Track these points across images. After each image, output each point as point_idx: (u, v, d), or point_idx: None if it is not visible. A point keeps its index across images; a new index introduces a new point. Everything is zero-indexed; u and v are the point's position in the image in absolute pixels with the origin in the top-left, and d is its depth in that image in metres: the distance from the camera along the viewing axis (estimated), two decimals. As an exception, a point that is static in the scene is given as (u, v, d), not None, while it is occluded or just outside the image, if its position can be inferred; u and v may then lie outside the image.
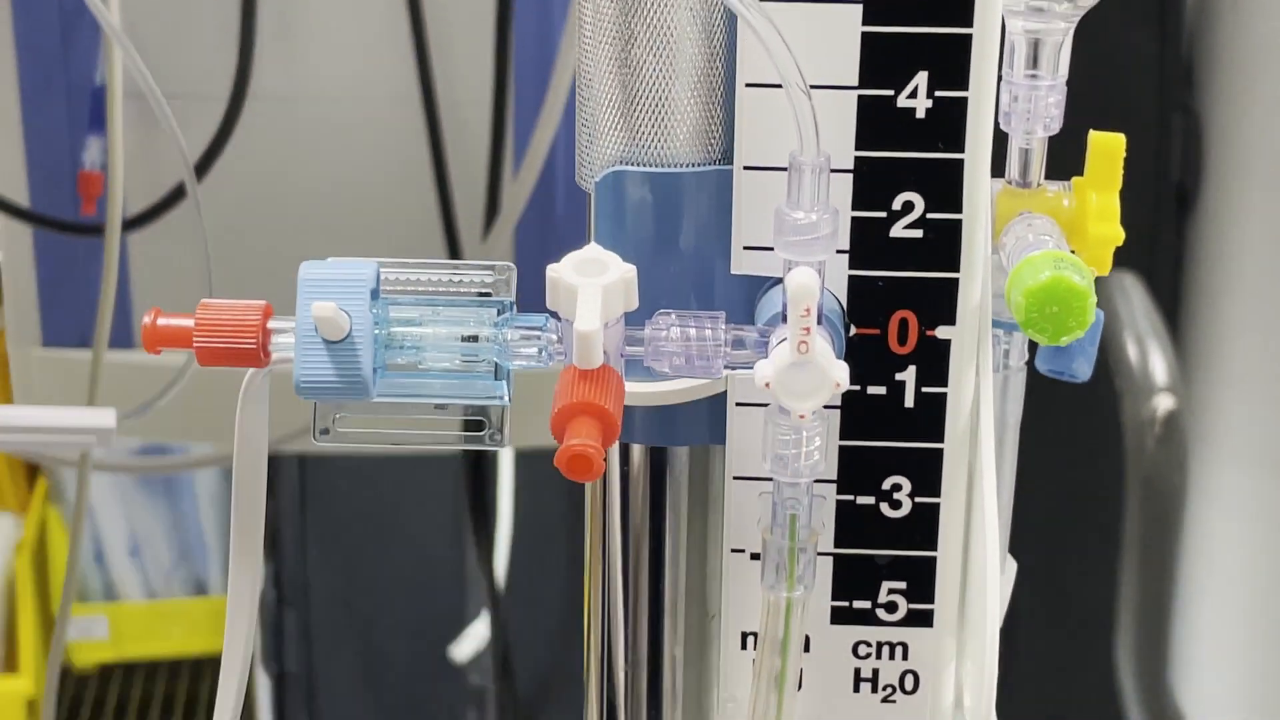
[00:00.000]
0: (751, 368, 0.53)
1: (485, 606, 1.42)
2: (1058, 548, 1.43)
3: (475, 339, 0.54)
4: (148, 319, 0.53)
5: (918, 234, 0.56)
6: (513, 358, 0.54)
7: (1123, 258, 0.58)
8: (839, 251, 0.56)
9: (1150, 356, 1.18)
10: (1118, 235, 0.57)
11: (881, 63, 0.54)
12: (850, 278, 0.56)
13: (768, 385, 0.52)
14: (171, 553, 2.08)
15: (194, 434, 1.17)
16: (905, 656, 0.60)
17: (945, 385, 0.57)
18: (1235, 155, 1.36)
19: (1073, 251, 0.55)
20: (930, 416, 0.57)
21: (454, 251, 1.06)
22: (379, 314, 0.53)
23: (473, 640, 1.46)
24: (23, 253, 1.08)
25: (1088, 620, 1.39)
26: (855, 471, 0.58)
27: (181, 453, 1.72)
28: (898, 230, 0.56)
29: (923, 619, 0.60)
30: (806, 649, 0.60)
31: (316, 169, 1.07)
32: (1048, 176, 0.58)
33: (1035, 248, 0.54)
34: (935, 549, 0.59)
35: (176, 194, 1.02)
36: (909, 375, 0.57)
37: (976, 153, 0.55)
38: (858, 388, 0.57)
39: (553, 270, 0.52)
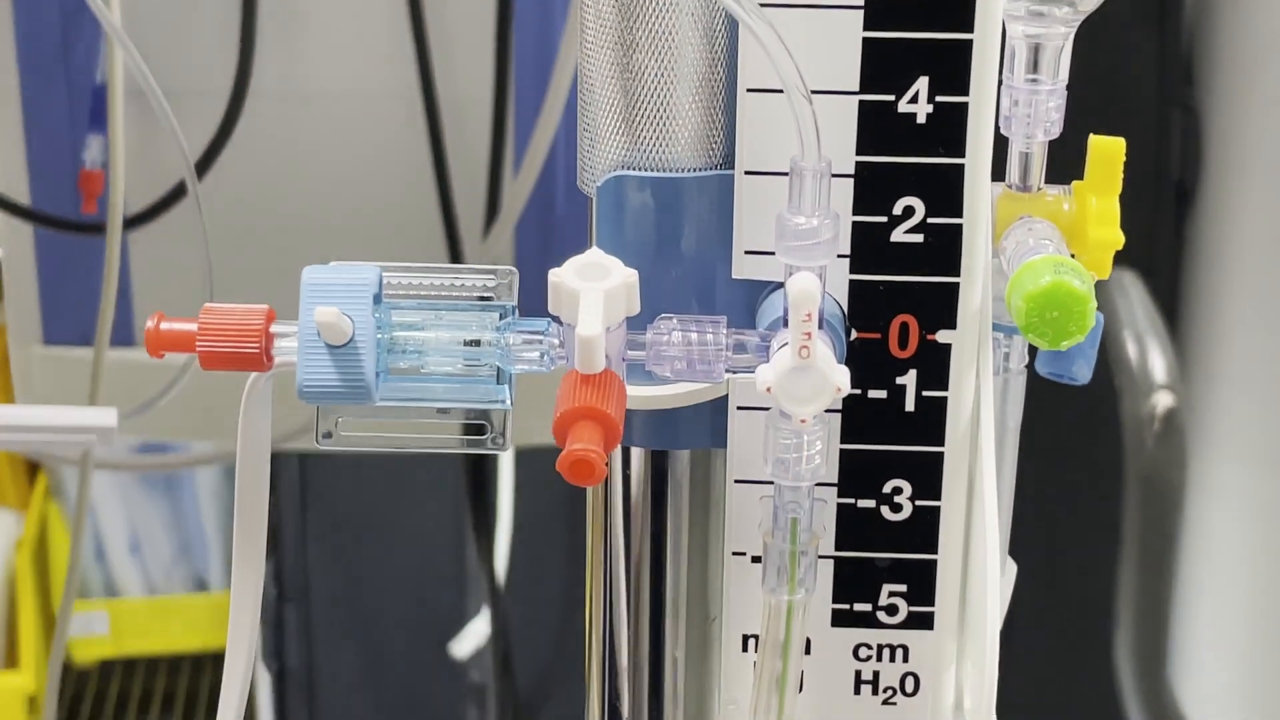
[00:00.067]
0: (753, 372, 0.53)
1: (485, 603, 1.42)
2: (1057, 547, 1.42)
3: (477, 343, 0.54)
4: (151, 323, 0.53)
5: (918, 238, 0.56)
6: (515, 362, 0.54)
7: (1122, 256, 0.58)
8: (840, 256, 0.56)
9: (1149, 354, 1.18)
10: (1118, 239, 0.56)
11: (882, 68, 0.54)
12: (851, 282, 0.56)
13: (769, 390, 0.52)
14: (172, 549, 2.08)
15: (195, 432, 1.17)
16: (906, 659, 0.60)
17: (946, 389, 0.57)
18: (1234, 153, 1.36)
19: (1073, 256, 0.55)
20: (931, 420, 0.57)
21: (454, 250, 1.06)
22: (381, 319, 0.53)
23: (473, 637, 1.46)
24: (24, 251, 1.08)
25: (1087, 619, 1.39)
26: (856, 475, 0.58)
27: (182, 450, 1.72)
28: (898, 235, 0.56)
29: (923, 621, 0.60)
30: (807, 651, 0.60)
31: (317, 167, 1.07)
32: (1048, 180, 0.58)
33: (1035, 252, 0.54)
34: (936, 552, 0.59)
35: (177, 192, 1.02)
36: (910, 379, 0.57)
37: (977, 157, 0.55)
38: (859, 392, 0.57)
39: (555, 275, 0.52)
